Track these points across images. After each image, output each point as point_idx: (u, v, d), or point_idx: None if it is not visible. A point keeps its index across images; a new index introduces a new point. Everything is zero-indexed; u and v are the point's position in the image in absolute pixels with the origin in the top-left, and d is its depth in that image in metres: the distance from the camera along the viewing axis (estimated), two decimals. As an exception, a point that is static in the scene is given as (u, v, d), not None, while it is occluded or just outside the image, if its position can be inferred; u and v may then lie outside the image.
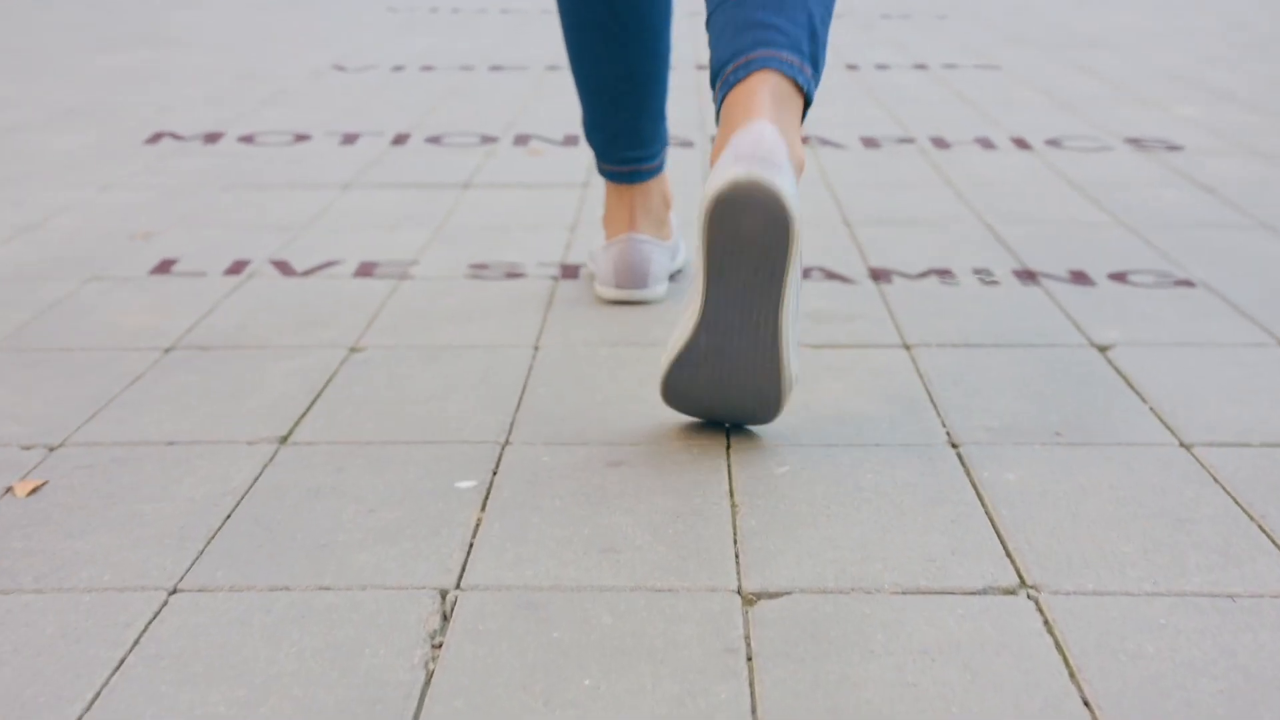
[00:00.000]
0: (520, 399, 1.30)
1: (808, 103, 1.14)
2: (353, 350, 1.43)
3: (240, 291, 1.63)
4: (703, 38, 1.35)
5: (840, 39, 4.07)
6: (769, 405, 1.16)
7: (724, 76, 1.14)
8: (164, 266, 1.73)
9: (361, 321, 1.52)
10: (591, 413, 1.26)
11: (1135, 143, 2.49)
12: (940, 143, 2.49)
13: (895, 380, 1.34)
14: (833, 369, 1.37)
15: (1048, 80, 3.24)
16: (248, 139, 2.53)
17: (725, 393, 1.15)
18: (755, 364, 1.12)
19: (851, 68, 3.50)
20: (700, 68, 3.46)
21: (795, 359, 1.14)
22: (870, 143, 2.50)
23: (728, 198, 1.03)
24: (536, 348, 1.44)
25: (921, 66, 3.51)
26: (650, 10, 1.51)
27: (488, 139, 2.53)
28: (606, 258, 1.58)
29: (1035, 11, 4.86)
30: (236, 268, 1.72)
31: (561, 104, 2.92)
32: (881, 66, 3.52)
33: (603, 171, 1.61)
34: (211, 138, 2.54)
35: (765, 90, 1.10)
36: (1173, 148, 2.45)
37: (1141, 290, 1.63)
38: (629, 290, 1.56)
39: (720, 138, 1.11)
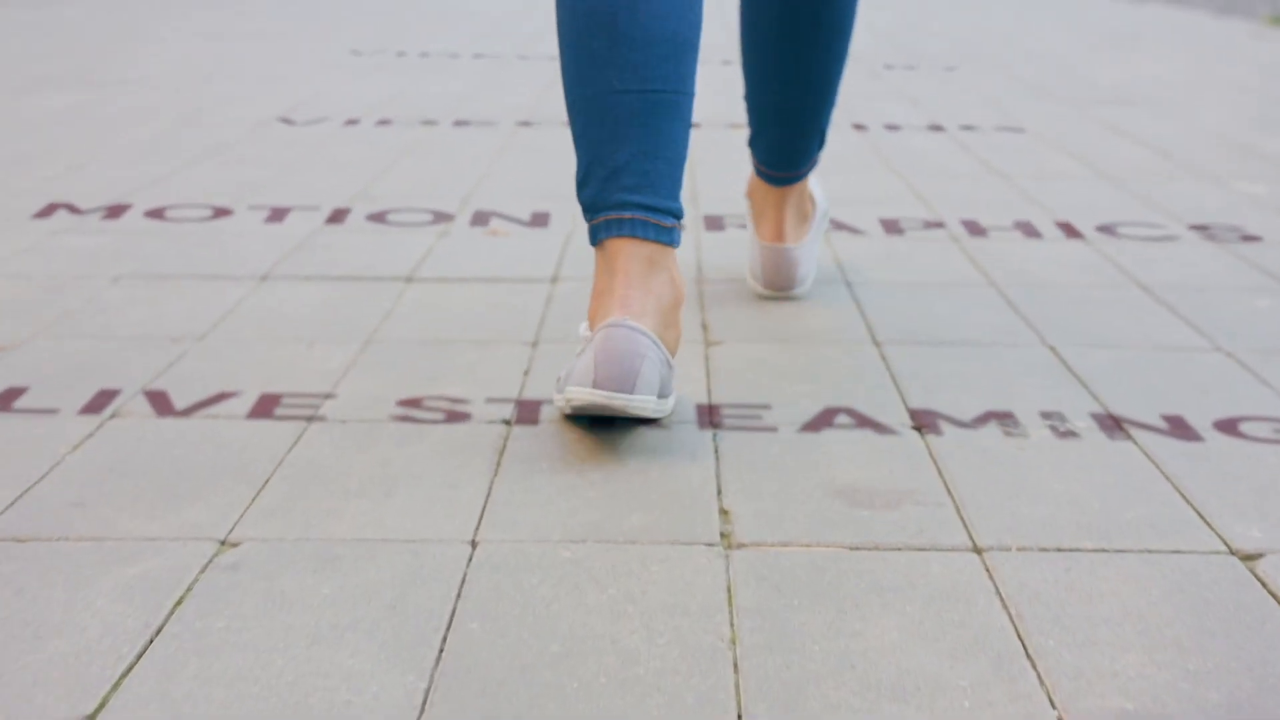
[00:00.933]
0: (441, 649, 0.91)
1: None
2: (222, 546, 1.05)
3: (94, 440, 1.25)
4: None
5: (844, 91, 3.72)
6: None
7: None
8: (5, 400, 1.35)
9: (245, 493, 1.14)
10: (539, 679, 0.88)
11: (1202, 230, 2.13)
12: (974, 227, 2.13)
13: (972, 614, 0.96)
14: (882, 592, 0.99)
15: (1082, 145, 2.89)
16: (157, 213, 2.15)
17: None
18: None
19: (859, 128, 3.15)
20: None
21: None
22: (892, 227, 2.14)
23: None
24: (474, 543, 1.06)
25: (937, 127, 3.16)
26: (676, 18, 1.25)
27: (441, 216, 2.16)
28: (586, 349, 1.22)
29: (1052, 61, 4.53)
30: (98, 402, 1.34)
31: (532, 169, 2.55)
32: (892, 127, 3.17)
33: (594, 232, 1.28)
34: (115, 210, 2.15)
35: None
36: (1248, 237, 2.09)
37: (1265, 448, 1.26)
38: (609, 393, 1.18)
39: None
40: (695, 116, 1.86)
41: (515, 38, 5.12)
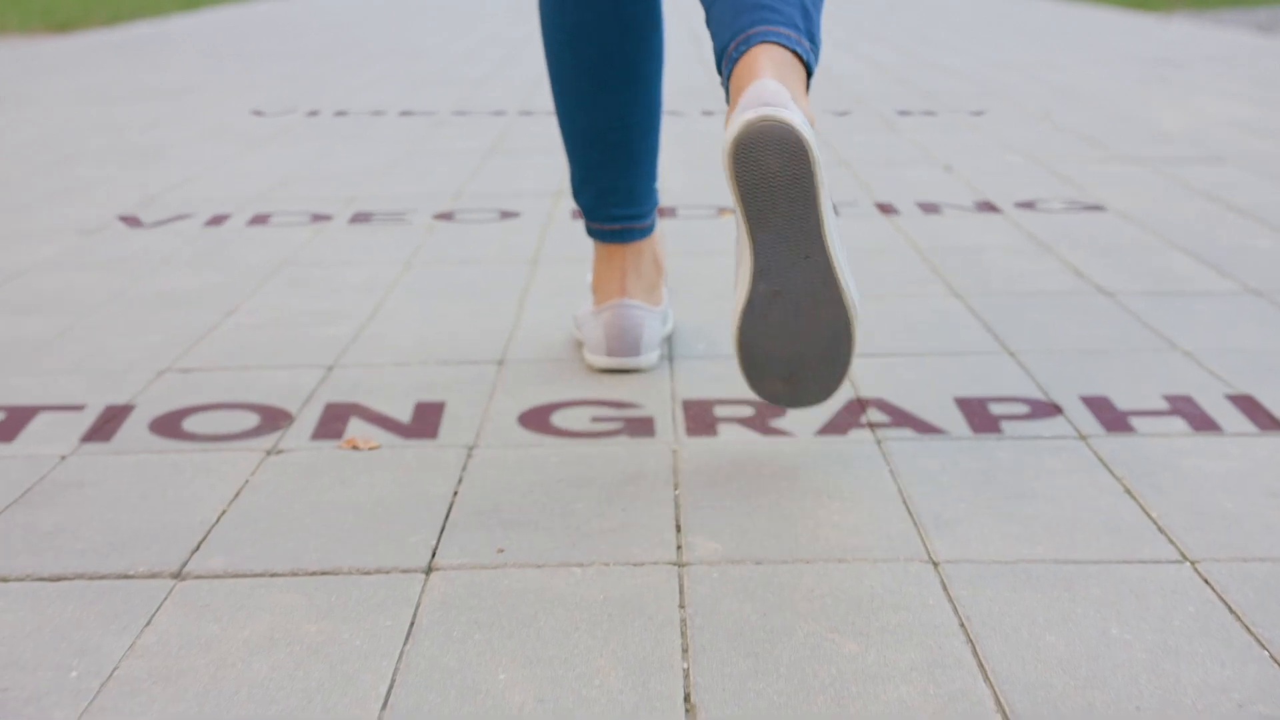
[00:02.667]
0: None
1: (810, 73, 1.19)
2: None
3: None
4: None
5: (858, 152, 3.00)
6: (842, 336, 1.17)
7: (727, 55, 1.20)
8: None
9: None
10: None
11: None
12: (1101, 407, 1.39)
13: None
14: None
15: (1191, 232, 2.15)
16: None
17: (798, 334, 1.17)
18: (817, 296, 1.15)
19: (886, 210, 2.41)
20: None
21: (853, 282, 1.17)
22: (975, 410, 1.40)
23: (745, 141, 1.09)
24: None
25: (989, 206, 2.42)
26: (641, 58, 1.48)
27: (273, 415, 1.40)
28: (596, 324, 1.53)
29: (1095, 100, 3.81)
30: None
31: (439, 311, 1.80)
32: (929, 207, 2.43)
33: (591, 232, 1.56)
34: None
35: (766, 59, 1.16)
36: None
37: None
38: (621, 359, 1.51)
39: (730, 107, 1.15)
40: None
41: (458, 85, 4.39)
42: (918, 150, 3.04)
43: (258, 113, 3.78)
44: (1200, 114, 3.52)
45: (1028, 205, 2.41)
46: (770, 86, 1.10)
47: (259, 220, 2.37)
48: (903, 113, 3.68)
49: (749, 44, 1.18)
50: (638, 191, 1.53)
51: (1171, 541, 1.09)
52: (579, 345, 1.60)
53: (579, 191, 1.54)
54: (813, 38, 1.20)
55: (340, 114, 3.75)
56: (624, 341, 1.50)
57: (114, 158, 3.04)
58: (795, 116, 1.08)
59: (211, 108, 3.92)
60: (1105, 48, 5.57)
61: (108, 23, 8.13)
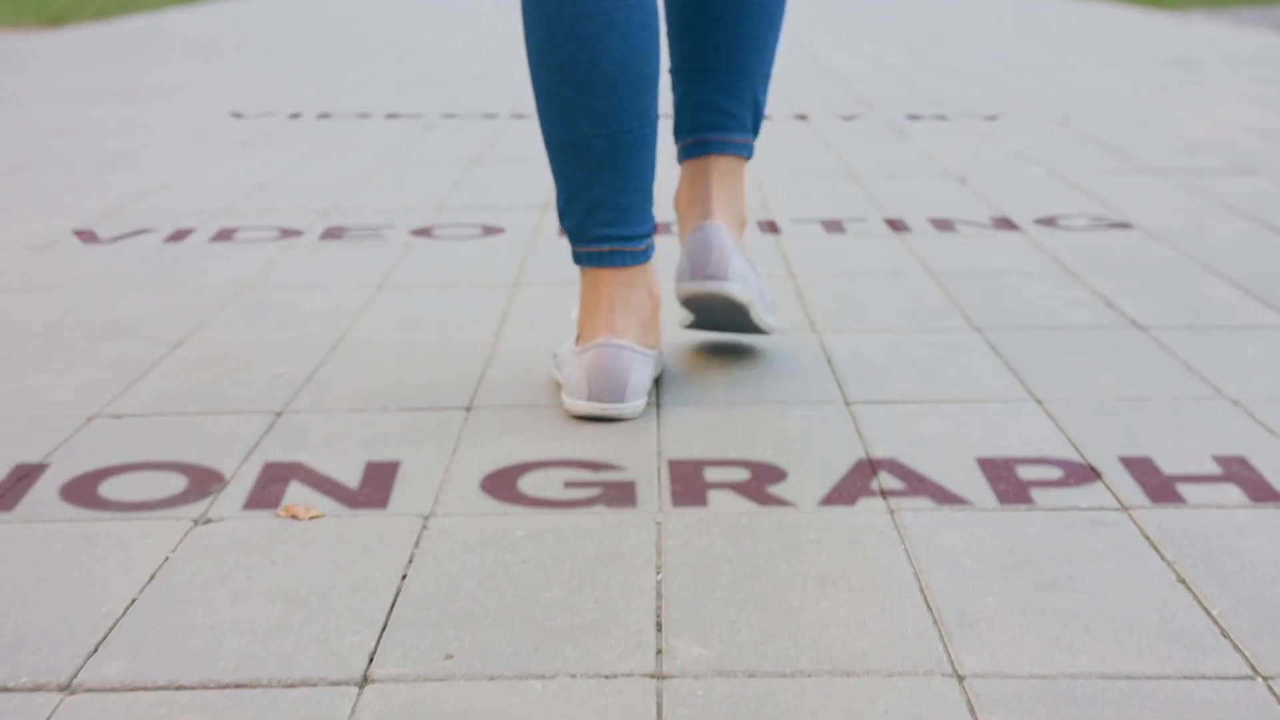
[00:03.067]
0: None
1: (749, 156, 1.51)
2: None
3: None
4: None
5: (867, 161, 2.83)
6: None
7: (684, 144, 1.49)
8: None
9: None
10: None
11: None
12: (1144, 471, 1.22)
13: None
14: None
15: (1231, 253, 1.99)
16: None
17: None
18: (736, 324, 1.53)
19: (896, 226, 2.24)
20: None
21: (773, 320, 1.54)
22: (1001, 473, 1.23)
23: (692, 303, 1.48)
24: None
25: (1006, 223, 2.24)
26: (633, 58, 1.32)
27: (205, 477, 1.23)
28: (578, 364, 1.38)
29: (1112, 105, 3.64)
30: None
31: (410, 344, 1.64)
32: (942, 224, 2.26)
33: (577, 257, 1.39)
34: None
35: (716, 175, 1.47)
36: None
37: None
38: (602, 404, 1.35)
39: (683, 215, 1.50)
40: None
41: (451, 84, 4.23)
42: (928, 159, 2.88)
43: (238, 115, 3.62)
44: (1226, 120, 3.35)
45: (1048, 222, 2.25)
46: (715, 243, 1.44)
47: (224, 236, 2.21)
48: (912, 117, 3.51)
49: (705, 150, 1.47)
50: (629, 210, 1.36)
51: (1238, 649, 0.93)
52: (558, 386, 1.44)
53: (564, 211, 1.38)
54: (757, 127, 1.50)
55: (324, 116, 3.59)
56: (607, 385, 1.34)
57: (83, 163, 2.89)
58: (735, 287, 1.44)
59: (193, 108, 3.76)
60: (1120, 48, 5.40)
61: (100, 16, 7.97)
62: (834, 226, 2.26)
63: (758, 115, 1.48)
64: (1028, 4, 8.24)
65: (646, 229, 1.38)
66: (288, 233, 2.23)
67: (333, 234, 2.23)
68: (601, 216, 1.35)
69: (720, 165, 1.46)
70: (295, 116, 3.58)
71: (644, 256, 1.38)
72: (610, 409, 1.34)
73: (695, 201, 1.47)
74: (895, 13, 7.70)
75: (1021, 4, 8.25)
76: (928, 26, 6.66)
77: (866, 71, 4.63)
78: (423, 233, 2.25)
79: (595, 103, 1.31)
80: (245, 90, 4.17)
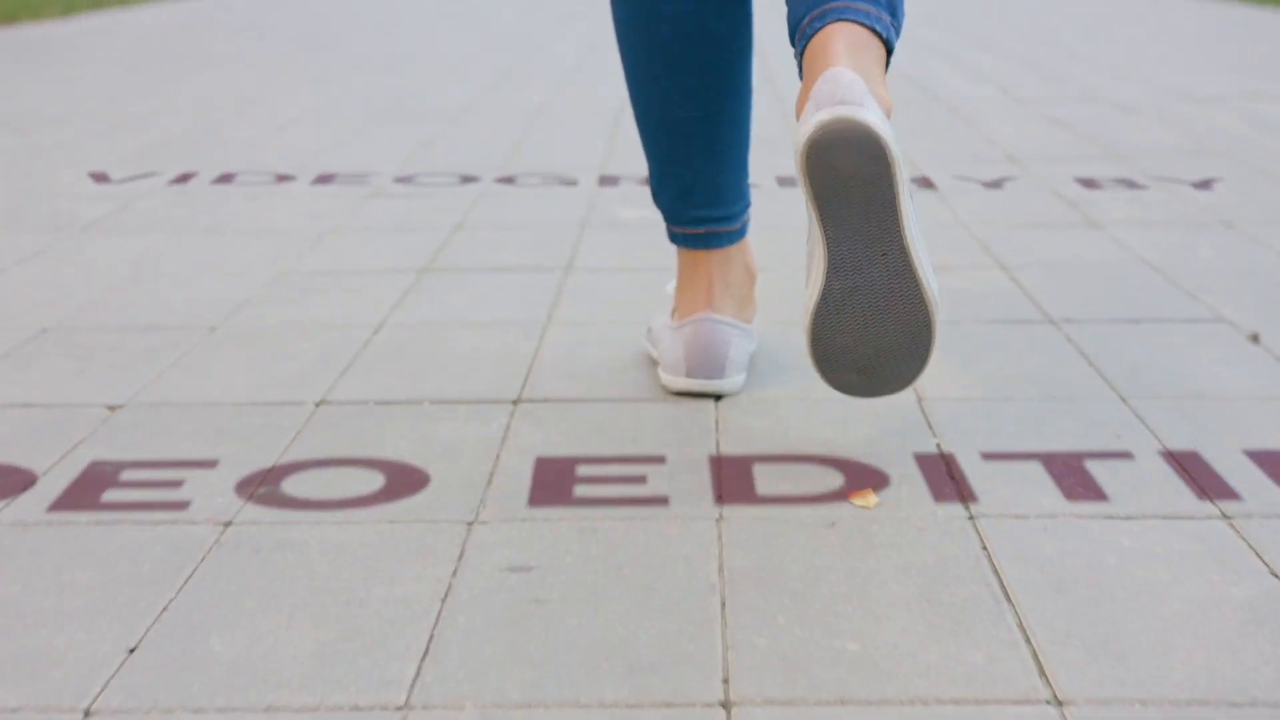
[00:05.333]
0: None
1: (889, 50, 1.14)
2: None
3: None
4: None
5: (1049, 282, 1.74)
6: (921, 332, 1.12)
7: (801, 30, 1.14)
8: None
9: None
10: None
11: None
12: None
13: None
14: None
15: None
16: None
17: (874, 331, 1.13)
18: (894, 292, 1.10)
19: (1189, 472, 1.16)
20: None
21: (933, 277, 1.12)
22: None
23: (819, 142, 1.05)
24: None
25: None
26: (725, 35, 1.30)
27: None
28: (676, 340, 1.37)
29: (1206, 122, 2.52)
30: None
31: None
32: (1267, 458, 1.17)
33: (673, 236, 1.41)
34: None
35: (841, 39, 1.10)
36: None
37: None
38: (703, 380, 1.34)
39: (802, 91, 1.12)
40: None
41: (423, 121, 3.16)
42: (1157, 276, 1.78)
43: (100, 177, 2.55)
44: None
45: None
46: (845, 78, 1.06)
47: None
48: (1086, 183, 2.41)
49: (824, 20, 1.14)
50: (724, 190, 1.37)
51: None
52: (653, 362, 1.44)
53: (658, 191, 1.39)
54: (894, 10, 1.15)
55: (223, 180, 2.52)
56: (706, 361, 1.34)
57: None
58: (872, 115, 1.05)
59: (52, 161, 2.71)
60: (1185, 50, 4.27)
61: (66, 12, 6.99)
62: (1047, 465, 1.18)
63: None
64: (1154, 4, 7.07)
65: (741, 206, 1.39)
66: (14, 479, 1.17)
67: (84, 493, 1.16)
68: (697, 198, 1.36)
69: (845, 32, 1.11)
70: (181, 180, 2.52)
71: (739, 235, 1.40)
72: (711, 385, 1.34)
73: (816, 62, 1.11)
74: (989, 10, 6.56)
75: (1145, 4, 7.09)
76: (1042, 29, 5.52)
77: (994, 102, 3.51)
78: (267, 498, 1.17)
79: (685, 81, 1.31)
80: (137, 130, 3.12)
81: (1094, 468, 1.17)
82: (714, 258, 1.37)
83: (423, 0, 7.95)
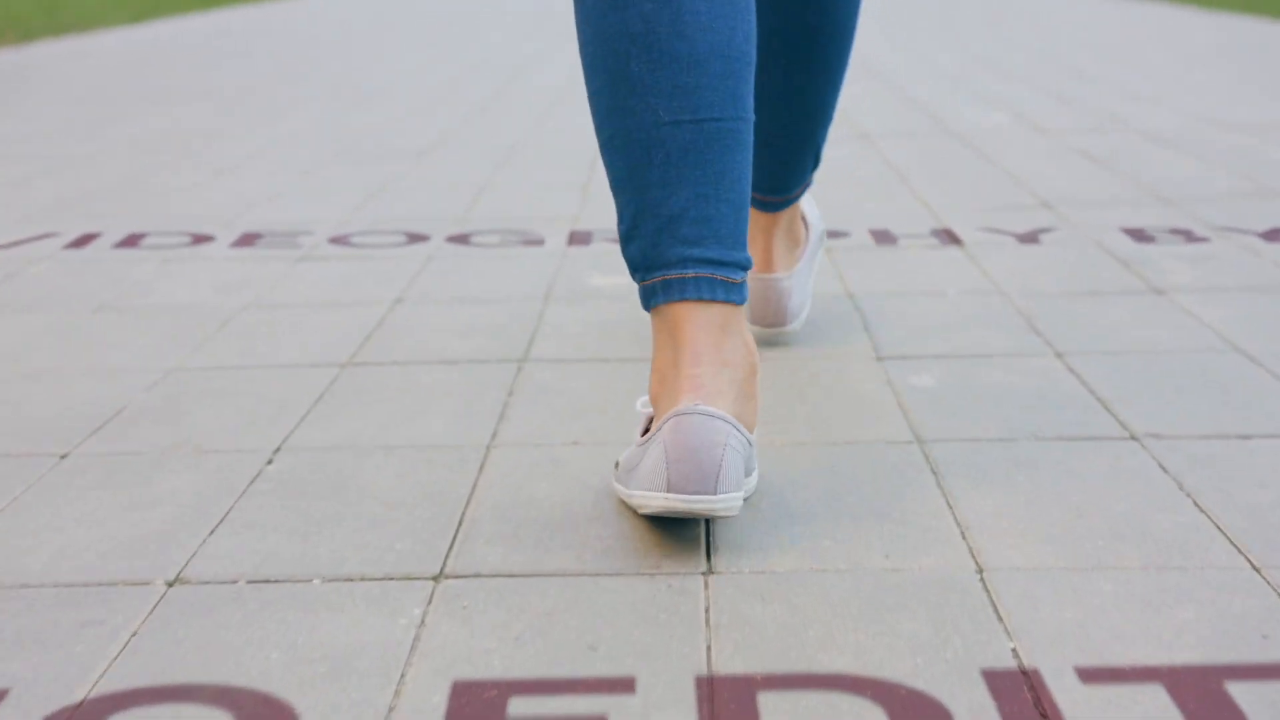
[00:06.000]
0: None
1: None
2: None
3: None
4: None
5: (1123, 384, 1.40)
6: None
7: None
8: None
9: None
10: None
11: None
12: None
13: None
14: None
15: None
16: None
17: None
18: None
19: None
20: None
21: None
22: None
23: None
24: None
25: None
26: (720, 22, 1.04)
27: None
28: (654, 443, 1.02)
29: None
30: None
31: None
32: None
33: (648, 294, 1.07)
34: None
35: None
36: None
37: None
38: (688, 497, 0.99)
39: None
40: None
41: (384, 161, 2.82)
42: (1251, 368, 1.43)
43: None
44: None
45: None
46: (775, 290, 1.21)
47: None
48: (1135, 234, 2.07)
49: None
50: (720, 225, 1.05)
51: None
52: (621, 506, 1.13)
53: (629, 235, 1.07)
54: (816, 162, 1.38)
55: (128, 241, 2.16)
56: (694, 468, 0.99)
57: None
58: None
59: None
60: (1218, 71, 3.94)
61: (24, 39, 6.66)
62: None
63: (817, 158, 1.45)
64: (1172, 20, 6.76)
65: (743, 258, 1.06)
66: None
67: None
68: (684, 232, 1.04)
69: (782, 217, 1.39)
70: (81, 243, 2.17)
71: (741, 293, 1.06)
72: (699, 504, 0.98)
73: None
74: (992, 28, 6.24)
75: (1159, 20, 6.77)
76: (1047, 48, 5.19)
77: (1013, 133, 3.18)
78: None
79: (677, 78, 1.03)
80: (57, 177, 2.77)
81: (1243, 696, 0.83)
82: (705, 319, 1.04)
83: (414, 23, 7.63)
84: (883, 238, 2.10)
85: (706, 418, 0.99)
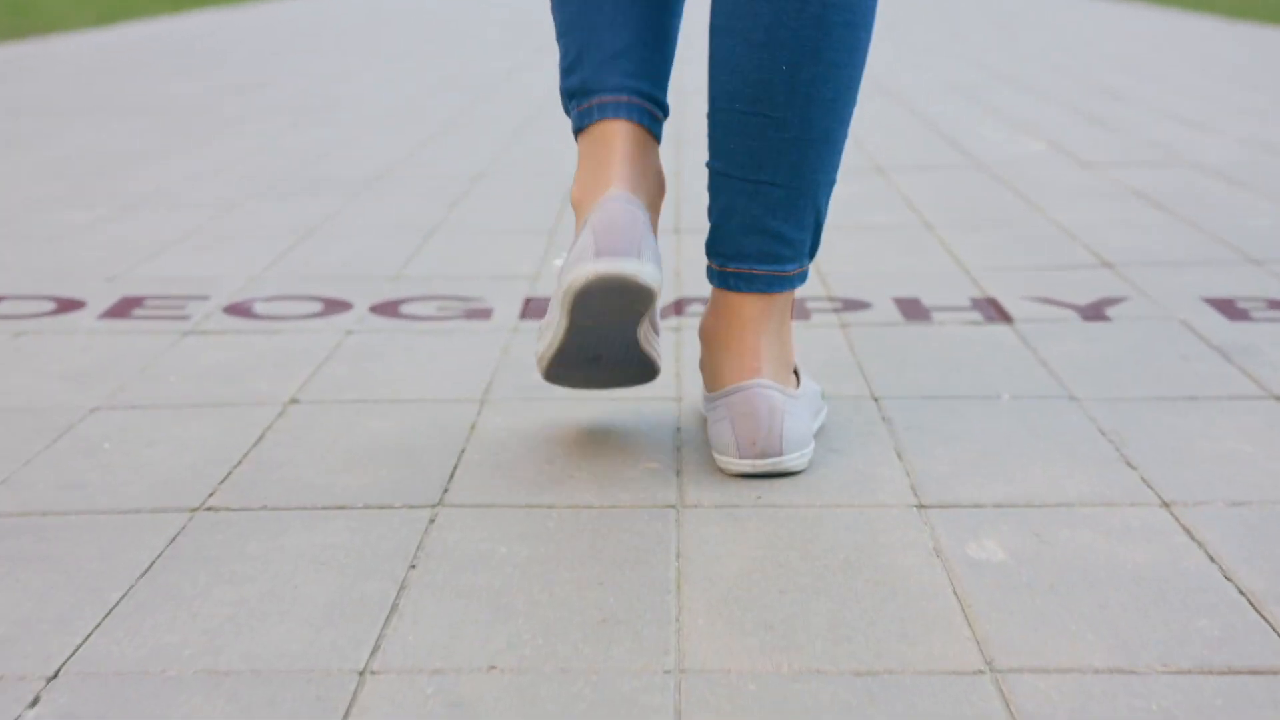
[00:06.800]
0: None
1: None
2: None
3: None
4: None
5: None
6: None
7: (722, 270, 1.18)
8: None
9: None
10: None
11: None
12: None
13: None
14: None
15: None
16: None
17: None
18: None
19: None
20: None
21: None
22: None
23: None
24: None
25: None
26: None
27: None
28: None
29: None
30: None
31: None
32: None
33: (580, 117, 1.19)
34: None
35: (763, 322, 1.17)
36: None
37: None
38: (616, 260, 1.10)
39: (714, 360, 1.19)
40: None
41: (321, 195, 2.43)
42: None
43: None
44: None
45: None
46: (765, 405, 1.14)
47: None
48: (1223, 307, 1.68)
49: (750, 285, 1.18)
50: (654, 68, 1.21)
51: None
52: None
53: (569, 70, 1.21)
54: (814, 251, 1.22)
55: (-22, 308, 1.77)
56: (617, 240, 1.11)
57: None
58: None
59: None
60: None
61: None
62: None
63: (818, 235, 1.21)
64: (1140, 17, 6.36)
65: (666, 103, 1.21)
66: None
67: None
68: (625, 65, 1.18)
69: (773, 305, 1.19)
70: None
71: (660, 128, 1.20)
72: (628, 265, 1.09)
73: (732, 350, 1.19)
74: (1007, 39, 5.84)
75: (1133, 18, 6.37)
76: (1071, 62, 4.79)
77: (1051, 167, 2.78)
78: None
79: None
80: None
81: None
82: (635, 136, 1.17)
83: (392, 30, 7.23)
84: (912, 310, 1.70)
85: (630, 205, 1.11)
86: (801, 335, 1.57)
